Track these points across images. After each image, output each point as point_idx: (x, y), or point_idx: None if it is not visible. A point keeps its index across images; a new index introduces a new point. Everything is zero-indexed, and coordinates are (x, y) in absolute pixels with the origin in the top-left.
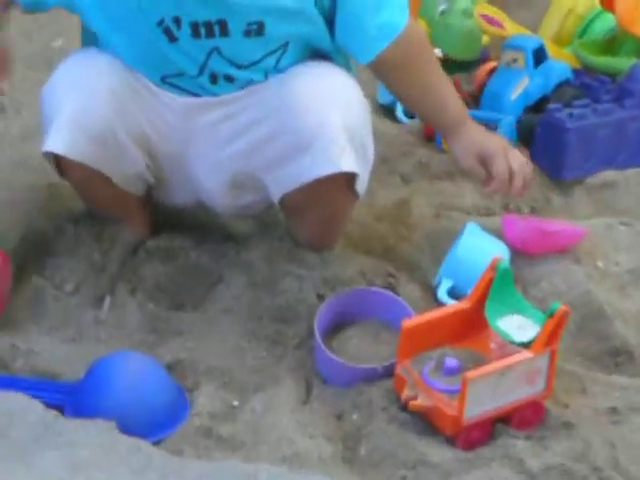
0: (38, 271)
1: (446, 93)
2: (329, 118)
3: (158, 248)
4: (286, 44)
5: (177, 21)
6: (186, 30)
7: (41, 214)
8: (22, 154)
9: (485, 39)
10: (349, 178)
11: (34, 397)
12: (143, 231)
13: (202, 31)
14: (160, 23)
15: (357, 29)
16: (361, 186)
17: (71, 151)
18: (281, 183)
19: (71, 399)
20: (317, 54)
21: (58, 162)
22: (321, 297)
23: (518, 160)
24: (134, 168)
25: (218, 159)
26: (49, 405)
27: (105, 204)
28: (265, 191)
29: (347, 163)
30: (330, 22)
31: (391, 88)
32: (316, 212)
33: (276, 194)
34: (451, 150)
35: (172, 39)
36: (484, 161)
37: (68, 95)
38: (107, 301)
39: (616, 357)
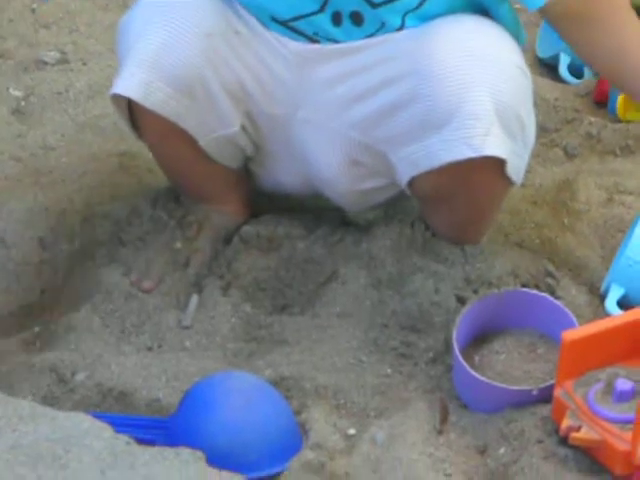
0: (107, 263)
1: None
2: (474, 90)
3: (258, 236)
4: None
5: None
6: None
7: (111, 191)
8: (89, 114)
9: None
10: (498, 163)
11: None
12: (239, 214)
13: None
14: None
15: None
16: (516, 173)
17: (148, 97)
18: (410, 163)
19: (163, 434)
20: (472, 4)
21: (132, 113)
22: (462, 300)
23: None
24: (227, 129)
25: (334, 127)
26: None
27: (190, 176)
28: (392, 173)
29: (493, 146)
30: None
31: (572, 44)
32: (455, 203)
33: (404, 177)
34: None
35: None
36: None
37: (150, 31)
38: (194, 301)
39: None
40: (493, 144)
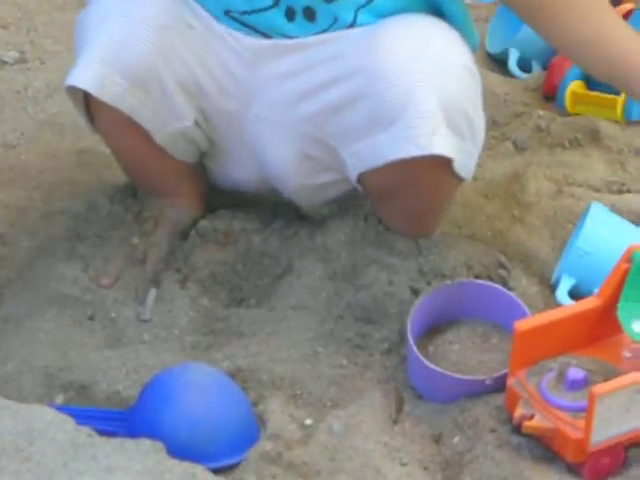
0: (66, 258)
1: (620, 34)
2: (422, 89)
3: (214, 230)
4: None
5: None
6: None
7: (70, 187)
8: (47, 112)
9: None
10: (445, 161)
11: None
12: (195, 209)
13: None
14: None
15: None
16: (465, 170)
17: (103, 90)
18: (358, 159)
19: (124, 426)
20: (425, 3)
21: (87, 107)
22: (416, 292)
23: None
24: (180, 123)
25: (287, 122)
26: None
27: (146, 171)
28: (342, 169)
29: (439, 145)
30: None
31: (540, 32)
32: (405, 199)
33: (353, 172)
34: (635, 90)
35: None
36: None
37: (105, 25)
38: (152, 295)
39: None
40: (439, 143)
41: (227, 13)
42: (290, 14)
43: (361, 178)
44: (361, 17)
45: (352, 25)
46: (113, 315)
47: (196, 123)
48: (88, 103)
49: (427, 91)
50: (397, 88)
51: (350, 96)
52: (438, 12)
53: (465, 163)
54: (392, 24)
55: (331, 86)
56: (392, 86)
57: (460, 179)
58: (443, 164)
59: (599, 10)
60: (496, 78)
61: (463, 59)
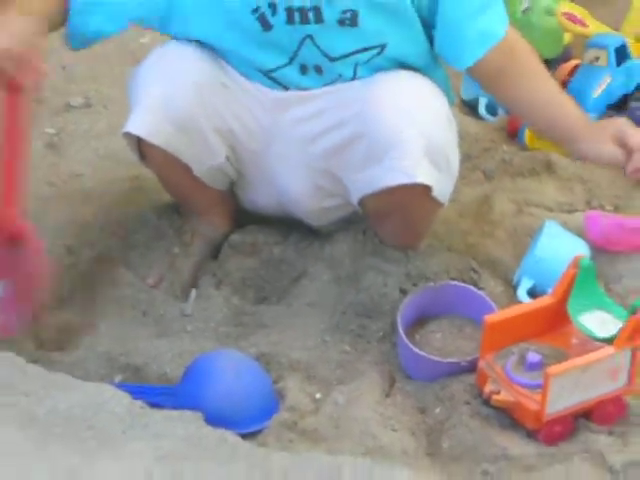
0: (120, 263)
1: (561, 99)
2: (406, 130)
3: (243, 242)
4: (381, 46)
5: (273, 7)
6: (281, 16)
7: (125, 207)
8: (108, 148)
9: (567, 37)
10: (426, 189)
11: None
12: (226, 225)
13: (296, 17)
14: (255, 10)
15: (457, 32)
16: (442, 196)
17: (152, 134)
18: (358, 187)
19: (170, 400)
20: (411, 65)
21: (140, 146)
22: (404, 292)
23: None
24: (214, 160)
25: (301, 158)
26: None
27: (186, 195)
28: (346, 195)
29: (422, 175)
30: (427, 27)
31: (496, 96)
32: (395, 218)
33: (354, 197)
34: (581, 151)
35: (266, 27)
36: (621, 141)
37: (154, 82)
38: (193, 294)
39: None
40: (422, 174)
41: (253, 71)
42: (303, 70)
43: (361, 202)
44: (360, 72)
45: (353, 78)
46: (161, 312)
47: (227, 159)
48: (140, 144)
49: (412, 133)
50: (388, 130)
51: (351, 137)
52: (424, 73)
53: (442, 191)
54: (385, 78)
55: (336, 129)
56: (384, 128)
57: (439, 203)
58: (424, 191)
59: (544, 80)
60: (469, 120)
61: (442, 109)
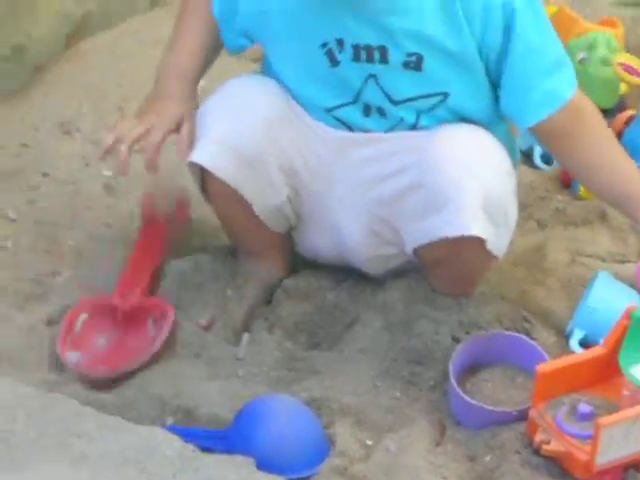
0: (175, 305)
1: (625, 166)
2: (466, 183)
3: (296, 287)
4: (444, 94)
5: (340, 43)
6: (348, 52)
7: (179, 250)
8: None
9: (623, 87)
10: (481, 241)
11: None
12: (280, 269)
13: (363, 55)
14: (324, 45)
15: (522, 91)
16: (497, 250)
17: (215, 166)
18: (415, 236)
19: (221, 444)
20: (475, 118)
21: (202, 178)
22: (457, 340)
23: None
24: (276, 199)
25: (360, 203)
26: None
27: (244, 234)
28: (401, 243)
29: (478, 228)
30: (492, 82)
31: (559, 159)
32: (450, 268)
33: (409, 246)
34: (637, 218)
35: (334, 62)
36: None
37: (222, 116)
38: (245, 338)
39: None
40: (477, 226)
41: (320, 110)
42: (367, 111)
43: (415, 251)
44: (423, 120)
45: (415, 125)
46: (213, 354)
47: (289, 199)
48: (204, 176)
49: (470, 187)
50: (447, 182)
51: (411, 185)
52: (486, 128)
53: (498, 244)
54: (448, 129)
55: (397, 175)
56: (443, 180)
57: (494, 256)
58: (479, 243)
59: (607, 145)
60: (524, 169)
61: (503, 163)
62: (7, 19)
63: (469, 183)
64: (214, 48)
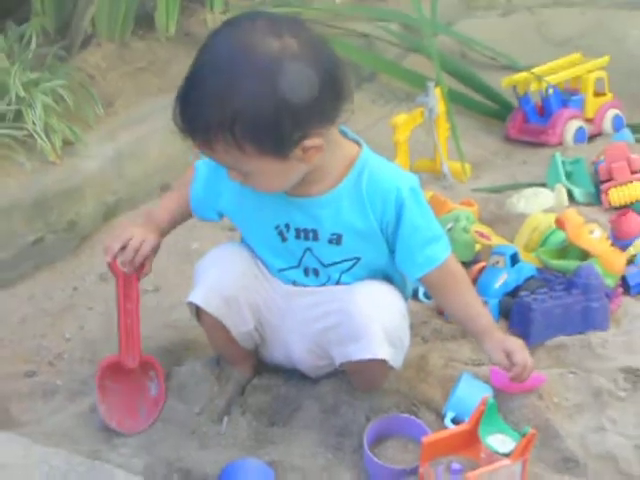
0: (176, 397)
1: (479, 308)
2: (373, 324)
3: (260, 384)
4: (358, 258)
5: (287, 226)
6: (292, 232)
7: (180, 357)
8: (169, 319)
9: (478, 247)
10: (385, 361)
11: None
12: (250, 373)
13: (302, 235)
14: (276, 227)
15: (410, 255)
16: (396, 363)
17: (206, 304)
18: (340, 356)
19: None
20: (379, 271)
21: (197, 312)
22: (368, 419)
23: (528, 357)
24: (246, 327)
25: (303, 333)
26: None
27: (225, 349)
28: (332, 359)
29: (383, 353)
30: (390, 248)
31: (436, 300)
32: (364, 375)
33: (337, 361)
34: (483, 348)
35: (283, 239)
36: (508, 355)
37: (211, 269)
38: (225, 420)
39: (567, 463)
40: (382, 352)
41: (275, 270)
42: (306, 272)
43: (341, 364)
44: (344, 278)
45: (339, 281)
46: (204, 430)
47: (255, 328)
48: (198, 310)
49: (377, 326)
50: (360, 323)
51: (335, 324)
52: (388, 278)
53: (396, 361)
54: (360, 285)
55: (327, 317)
56: (357, 321)
57: (393, 367)
58: (384, 362)
59: (469, 293)
60: (413, 302)
61: (400, 306)
62: (63, 204)
63: (376, 325)
64: (188, 216)
